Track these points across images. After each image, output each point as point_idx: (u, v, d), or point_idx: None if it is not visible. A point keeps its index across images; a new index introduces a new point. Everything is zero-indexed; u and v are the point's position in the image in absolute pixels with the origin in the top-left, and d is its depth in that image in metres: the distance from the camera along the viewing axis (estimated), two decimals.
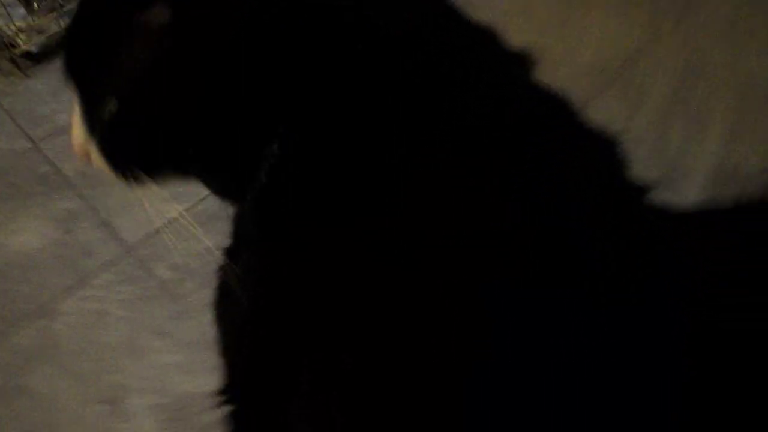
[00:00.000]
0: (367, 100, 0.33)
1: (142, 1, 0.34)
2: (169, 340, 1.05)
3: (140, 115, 0.35)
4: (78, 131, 0.40)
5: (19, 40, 1.44)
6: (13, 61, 1.47)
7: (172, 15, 0.33)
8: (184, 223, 0.40)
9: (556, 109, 0.38)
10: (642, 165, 0.42)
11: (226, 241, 0.42)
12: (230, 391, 0.44)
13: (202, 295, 1.10)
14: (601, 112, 0.47)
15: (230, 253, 0.42)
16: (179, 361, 1.03)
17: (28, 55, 1.45)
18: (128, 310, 1.09)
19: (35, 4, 1.45)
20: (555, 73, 0.41)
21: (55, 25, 1.45)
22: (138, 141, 0.37)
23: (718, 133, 1.22)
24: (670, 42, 1.44)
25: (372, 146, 0.33)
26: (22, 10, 1.46)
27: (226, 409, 0.44)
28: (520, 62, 0.39)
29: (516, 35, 0.41)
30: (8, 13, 1.42)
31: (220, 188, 0.40)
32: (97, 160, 0.40)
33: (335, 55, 0.33)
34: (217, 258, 0.41)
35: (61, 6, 1.47)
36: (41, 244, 1.17)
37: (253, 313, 0.39)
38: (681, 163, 1.19)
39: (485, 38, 0.38)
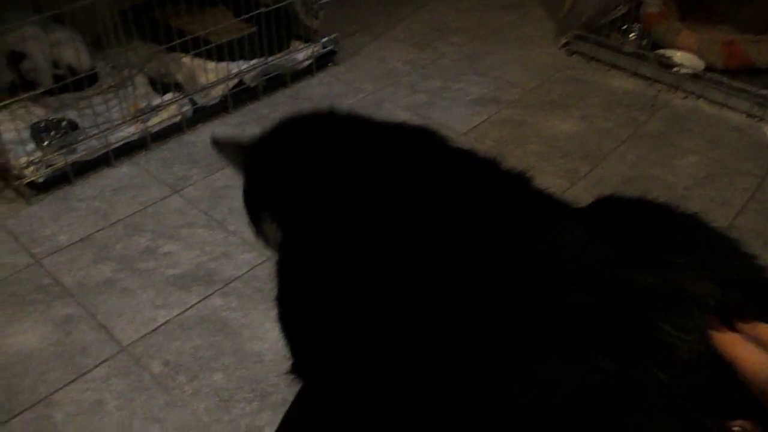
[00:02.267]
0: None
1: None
2: (163, 426, 1.16)
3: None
4: None
5: (27, 172, 1.63)
6: (17, 190, 1.65)
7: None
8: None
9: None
10: None
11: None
12: (297, 369, 0.55)
13: (195, 386, 1.22)
14: None
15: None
16: None
17: (31, 184, 1.64)
18: (123, 399, 1.19)
19: (46, 141, 1.66)
20: None
21: (62, 159, 1.66)
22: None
23: None
24: (585, 185, 1.75)
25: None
26: (31, 145, 1.67)
27: (297, 383, 0.55)
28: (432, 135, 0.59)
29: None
30: (21, 147, 1.63)
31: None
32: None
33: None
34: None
35: (70, 144, 1.68)
36: (41, 344, 1.28)
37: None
38: None
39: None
